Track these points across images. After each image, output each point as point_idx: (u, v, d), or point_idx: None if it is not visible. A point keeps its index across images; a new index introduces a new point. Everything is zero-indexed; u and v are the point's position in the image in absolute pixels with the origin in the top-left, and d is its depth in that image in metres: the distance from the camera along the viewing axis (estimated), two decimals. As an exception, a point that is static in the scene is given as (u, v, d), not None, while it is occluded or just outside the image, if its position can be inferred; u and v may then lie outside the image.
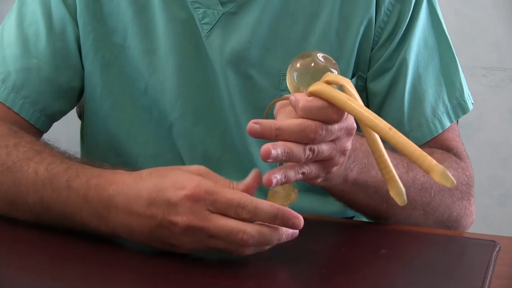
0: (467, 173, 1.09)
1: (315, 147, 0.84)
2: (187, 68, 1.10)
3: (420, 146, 1.09)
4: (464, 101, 1.12)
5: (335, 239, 1.01)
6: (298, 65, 0.87)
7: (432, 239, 1.00)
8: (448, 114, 1.12)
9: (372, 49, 1.10)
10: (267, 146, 0.81)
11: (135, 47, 1.11)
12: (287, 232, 0.86)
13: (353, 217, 1.17)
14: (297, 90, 0.87)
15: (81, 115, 1.27)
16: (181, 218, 0.84)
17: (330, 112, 0.83)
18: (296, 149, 0.83)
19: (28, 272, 0.87)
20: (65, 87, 1.12)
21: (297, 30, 1.08)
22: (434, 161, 0.77)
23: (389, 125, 0.79)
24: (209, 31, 1.09)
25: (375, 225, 1.04)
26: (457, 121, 1.16)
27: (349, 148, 0.88)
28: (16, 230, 0.97)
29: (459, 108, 1.12)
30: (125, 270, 0.87)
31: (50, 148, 1.00)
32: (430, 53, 1.11)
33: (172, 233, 0.85)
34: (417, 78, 1.10)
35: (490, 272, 0.87)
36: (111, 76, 1.13)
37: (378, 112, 1.12)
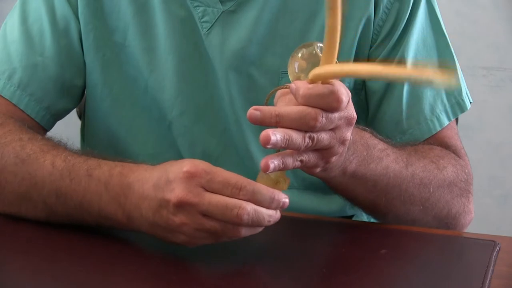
0: (466, 171, 1.09)
1: (315, 135, 0.84)
2: (186, 66, 1.10)
3: (418, 144, 1.10)
4: (462, 99, 1.12)
5: (335, 239, 1.01)
6: (299, 55, 0.87)
7: (432, 239, 1.00)
8: (446, 112, 1.12)
9: (371, 47, 1.10)
10: (266, 132, 0.81)
11: (135, 46, 1.11)
12: (275, 215, 0.85)
13: (352, 216, 1.17)
14: (297, 79, 0.87)
15: (81, 115, 1.27)
16: (173, 194, 0.84)
17: (331, 99, 0.83)
18: (296, 136, 0.83)
19: (29, 271, 0.87)
20: (69, 85, 1.13)
21: (296, 28, 1.08)
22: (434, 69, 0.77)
23: (380, 67, 0.80)
24: (209, 29, 1.08)
25: (375, 225, 1.04)
26: (457, 119, 1.16)
27: (349, 138, 0.88)
28: (17, 229, 0.97)
29: (457, 106, 1.12)
30: (126, 270, 0.87)
31: (65, 144, 1.01)
32: (428, 52, 1.11)
33: (168, 212, 0.85)
34: (416, 76, 1.10)
35: (490, 272, 0.87)
36: (111, 74, 1.13)
37: (377, 110, 1.12)
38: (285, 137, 0.82)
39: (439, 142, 1.11)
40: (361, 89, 1.12)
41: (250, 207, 0.83)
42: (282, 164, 0.83)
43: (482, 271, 0.87)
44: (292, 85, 0.85)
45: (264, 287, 0.86)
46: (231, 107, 1.10)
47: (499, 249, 0.94)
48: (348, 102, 0.86)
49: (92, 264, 0.88)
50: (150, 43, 1.11)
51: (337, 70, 0.83)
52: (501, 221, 2.28)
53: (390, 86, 1.10)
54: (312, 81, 0.84)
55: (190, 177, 0.84)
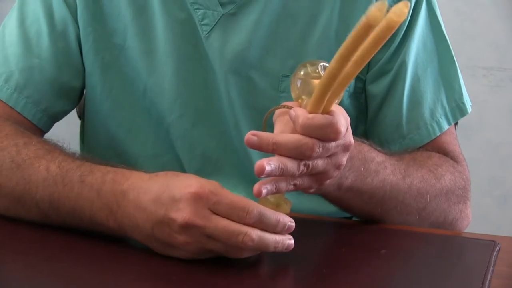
0: (464, 177, 1.09)
1: (310, 162, 0.84)
2: (186, 69, 1.10)
3: (417, 149, 1.09)
4: (463, 103, 1.12)
5: (335, 239, 1.01)
6: (302, 73, 0.87)
7: (432, 239, 1.00)
8: (446, 116, 1.11)
9: (371, 51, 1.10)
10: (261, 162, 0.81)
11: (134, 48, 1.11)
12: (283, 242, 0.86)
13: (352, 216, 1.17)
14: (299, 97, 0.88)
15: (81, 115, 1.27)
16: (180, 215, 0.84)
17: (329, 131, 0.83)
18: (291, 165, 0.83)
19: (28, 271, 0.87)
20: (66, 87, 1.13)
21: (297, 31, 1.08)
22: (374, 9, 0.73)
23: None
24: (209, 32, 1.08)
25: (375, 225, 1.04)
26: (456, 123, 1.15)
27: (344, 163, 0.89)
28: (17, 229, 0.97)
29: (458, 110, 1.12)
30: (126, 270, 0.87)
31: (61, 148, 1.00)
32: (429, 56, 1.11)
33: (171, 230, 0.85)
34: (416, 80, 1.10)
35: (490, 272, 0.87)
36: (111, 76, 1.13)
37: (376, 114, 1.12)
38: (280, 166, 0.82)
39: (438, 148, 1.10)
40: (361, 92, 1.12)
41: (255, 233, 0.83)
42: (275, 189, 0.84)
43: (482, 271, 0.87)
44: (292, 112, 0.85)
45: (264, 287, 0.86)
46: (231, 109, 1.10)
47: (499, 249, 0.94)
48: (347, 130, 0.86)
49: (92, 264, 0.88)
50: (150, 45, 1.10)
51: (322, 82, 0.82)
52: (501, 221, 2.28)
53: (390, 90, 1.10)
54: (312, 110, 0.84)
55: (198, 198, 0.84)
